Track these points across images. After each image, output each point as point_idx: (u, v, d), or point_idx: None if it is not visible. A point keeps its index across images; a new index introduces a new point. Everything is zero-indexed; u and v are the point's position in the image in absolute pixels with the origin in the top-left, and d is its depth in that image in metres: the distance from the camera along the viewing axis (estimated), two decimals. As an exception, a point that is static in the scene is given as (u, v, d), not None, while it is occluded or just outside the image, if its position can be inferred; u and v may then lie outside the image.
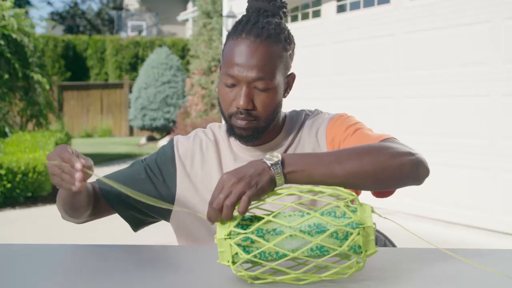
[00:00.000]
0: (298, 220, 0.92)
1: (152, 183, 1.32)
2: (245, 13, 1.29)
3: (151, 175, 1.33)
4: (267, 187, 0.97)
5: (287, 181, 1.00)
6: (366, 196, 1.30)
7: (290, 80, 1.30)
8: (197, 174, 1.33)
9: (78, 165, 1.02)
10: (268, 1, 1.27)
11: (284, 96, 1.30)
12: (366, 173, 1.04)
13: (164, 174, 1.33)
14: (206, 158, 1.34)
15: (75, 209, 1.25)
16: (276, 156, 0.99)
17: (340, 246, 0.90)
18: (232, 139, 1.33)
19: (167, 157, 1.35)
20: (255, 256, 0.93)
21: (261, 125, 1.24)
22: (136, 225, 1.39)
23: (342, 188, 0.95)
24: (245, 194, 0.94)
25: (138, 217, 1.36)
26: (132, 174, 1.34)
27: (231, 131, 1.26)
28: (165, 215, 1.35)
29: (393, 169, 1.06)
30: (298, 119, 1.35)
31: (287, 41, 1.26)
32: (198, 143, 1.35)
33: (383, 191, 1.16)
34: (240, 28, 1.23)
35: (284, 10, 1.29)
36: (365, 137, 1.22)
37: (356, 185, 1.05)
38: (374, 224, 0.91)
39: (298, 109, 1.41)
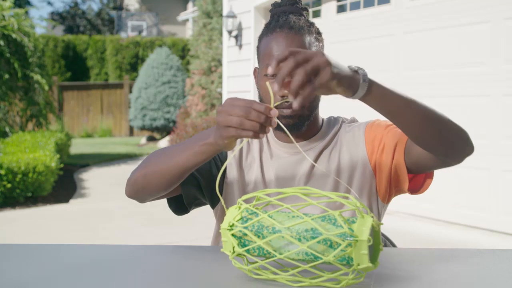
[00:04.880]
0: (293, 222, 0.92)
1: (214, 163, 1.35)
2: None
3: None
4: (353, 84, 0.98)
5: (368, 93, 1.01)
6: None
7: None
8: (242, 162, 1.36)
9: (274, 112, 0.99)
10: (291, 4, 1.34)
11: None
12: (434, 116, 1.10)
13: (221, 158, 1.36)
14: (251, 148, 1.38)
15: (180, 178, 1.20)
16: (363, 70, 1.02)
17: (334, 256, 0.87)
18: (270, 137, 1.38)
19: None
20: (247, 251, 0.94)
21: (306, 112, 1.28)
22: (190, 203, 1.36)
23: (352, 197, 0.92)
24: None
25: (196, 196, 1.35)
26: None
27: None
28: (215, 200, 1.36)
29: (453, 127, 1.15)
30: (336, 124, 1.40)
31: (318, 33, 1.33)
32: None
33: (417, 187, 1.28)
34: (273, 25, 1.30)
35: (306, 12, 1.37)
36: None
37: (421, 126, 1.10)
38: (370, 239, 0.86)
39: (335, 115, 1.45)
